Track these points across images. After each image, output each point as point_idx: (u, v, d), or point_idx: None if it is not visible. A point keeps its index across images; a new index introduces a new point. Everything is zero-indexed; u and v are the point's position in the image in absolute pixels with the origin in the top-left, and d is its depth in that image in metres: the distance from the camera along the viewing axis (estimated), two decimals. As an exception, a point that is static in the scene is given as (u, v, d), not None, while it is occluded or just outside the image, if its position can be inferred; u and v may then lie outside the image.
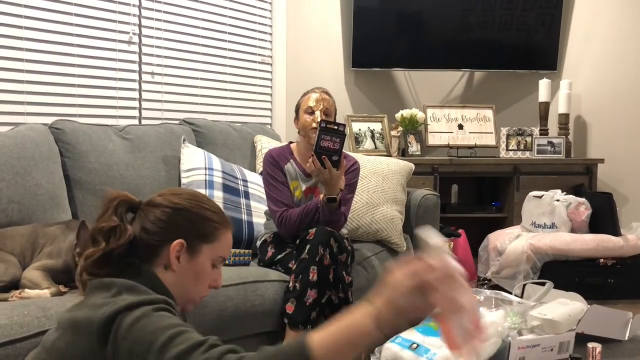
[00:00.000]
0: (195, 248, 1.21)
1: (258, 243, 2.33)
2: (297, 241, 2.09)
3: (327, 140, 2.01)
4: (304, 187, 2.26)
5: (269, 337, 2.02)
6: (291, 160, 2.28)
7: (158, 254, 1.19)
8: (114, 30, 2.73)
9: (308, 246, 1.99)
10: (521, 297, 2.01)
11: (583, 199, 3.42)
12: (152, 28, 2.90)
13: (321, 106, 2.23)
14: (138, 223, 1.21)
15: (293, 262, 2.06)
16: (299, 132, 2.31)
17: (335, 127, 2.01)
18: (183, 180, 2.49)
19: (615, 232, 3.34)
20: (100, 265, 1.17)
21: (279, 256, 2.18)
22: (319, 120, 2.18)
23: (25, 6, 2.41)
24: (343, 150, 2.05)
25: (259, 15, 3.49)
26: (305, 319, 1.95)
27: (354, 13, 3.85)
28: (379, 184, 2.64)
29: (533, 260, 3.25)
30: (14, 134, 2.06)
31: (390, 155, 3.71)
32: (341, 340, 0.92)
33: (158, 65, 2.94)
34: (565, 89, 3.93)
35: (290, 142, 2.39)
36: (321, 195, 2.13)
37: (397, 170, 2.72)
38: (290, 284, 2.00)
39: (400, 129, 3.81)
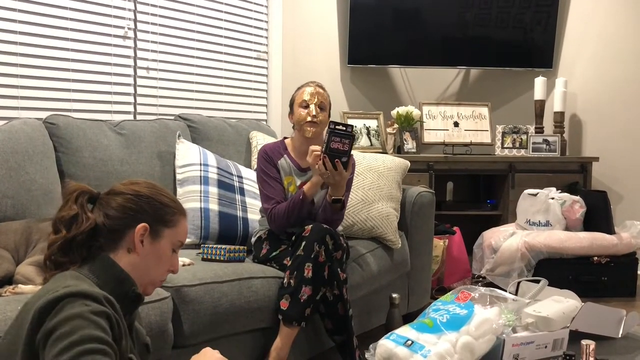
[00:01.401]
0: (157, 232, 1.28)
1: (253, 240, 2.33)
2: (293, 237, 2.10)
3: (337, 142, 2.01)
4: (298, 182, 2.26)
5: (263, 334, 2.02)
6: (285, 155, 2.28)
7: (122, 237, 1.26)
8: (109, 25, 2.72)
9: (304, 243, 1.99)
10: (515, 294, 2.01)
11: (578, 197, 3.43)
12: (148, 23, 2.89)
13: (315, 100, 2.22)
14: (99, 211, 1.27)
15: (288, 258, 2.06)
16: (293, 127, 2.30)
17: (344, 129, 2.02)
18: (178, 176, 2.48)
19: (610, 230, 3.35)
20: (63, 253, 1.23)
21: (274, 253, 2.18)
22: (313, 113, 2.18)
23: (20, 0, 2.39)
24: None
25: (255, 11, 3.48)
26: (299, 316, 1.95)
27: (350, 9, 3.85)
28: (375, 181, 2.64)
29: (527, 258, 3.26)
30: (7, 128, 2.05)
31: (386, 153, 3.71)
32: None
33: (153, 60, 2.92)
34: (561, 87, 3.94)
35: (285, 138, 2.39)
36: (325, 194, 2.16)
37: (392, 168, 2.72)
38: (285, 280, 2.00)
39: (396, 126, 3.81)
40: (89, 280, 1.19)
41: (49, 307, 1.06)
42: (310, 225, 2.04)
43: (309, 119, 2.20)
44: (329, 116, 2.29)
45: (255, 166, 2.73)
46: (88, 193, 1.28)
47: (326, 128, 2.05)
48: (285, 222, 2.17)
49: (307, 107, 2.22)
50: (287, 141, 2.35)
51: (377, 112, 3.92)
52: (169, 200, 1.31)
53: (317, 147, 2.06)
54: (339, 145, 2.01)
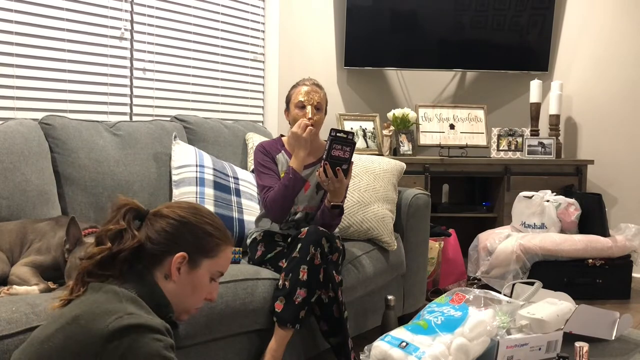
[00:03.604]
0: (196, 261, 1.26)
1: (247, 241, 2.32)
2: (289, 239, 2.10)
3: (338, 149, 2.02)
4: None
5: (259, 335, 2.02)
6: (282, 151, 2.28)
7: (160, 263, 1.25)
8: (106, 26, 2.72)
9: (299, 245, 2.00)
10: (510, 296, 2.02)
11: (573, 200, 3.44)
12: (144, 24, 2.89)
13: (312, 100, 2.21)
14: (144, 231, 1.26)
15: (283, 260, 2.06)
16: (290, 124, 2.30)
17: (345, 136, 2.03)
18: (174, 177, 2.48)
19: (604, 232, 3.37)
20: (102, 266, 1.22)
21: (269, 255, 2.18)
22: (309, 116, 2.19)
23: (16, 0, 2.39)
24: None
25: (252, 13, 3.48)
26: (293, 318, 1.95)
27: (346, 11, 3.85)
28: (371, 182, 2.64)
29: (523, 260, 3.27)
30: (3, 129, 2.05)
31: (382, 154, 3.72)
32: None
33: (150, 61, 2.92)
34: (557, 90, 3.96)
35: (282, 136, 2.39)
36: (322, 198, 2.17)
37: (388, 170, 2.73)
38: (280, 282, 2.00)
39: (392, 128, 3.82)
40: (141, 301, 1.17)
41: (116, 335, 1.03)
42: (306, 228, 2.04)
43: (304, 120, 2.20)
44: (326, 113, 2.30)
45: (252, 167, 2.73)
46: (136, 210, 1.28)
47: (328, 135, 2.05)
48: (281, 204, 2.14)
49: (303, 107, 2.22)
50: (283, 139, 2.35)
51: (373, 114, 3.93)
52: (212, 229, 1.29)
53: (306, 121, 2.13)
54: (339, 152, 2.03)
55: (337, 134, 2.02)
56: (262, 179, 2.22)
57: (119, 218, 1.25)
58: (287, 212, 2.20)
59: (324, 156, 2.03)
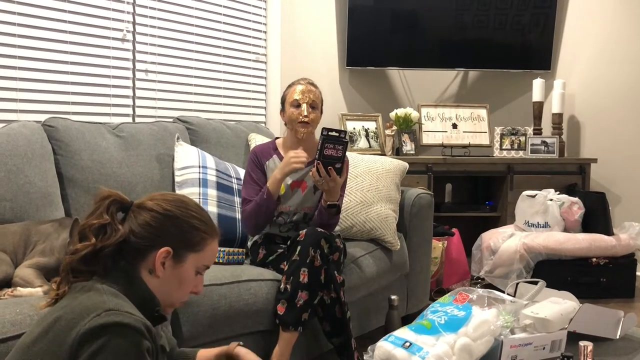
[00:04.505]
0: (181, 256, 1.23)
1: (249, 244, 2.32)
2: (289, 242, 2.10)
3: (330, 148, 2.02)
4: (289, 181, 2.25)
5: (262, 336, 2.03)
6: (274, 156, 2.28)
7: (144, 258, 1.21)
8: (108, 28, 2.72)
9: (299, 247, 1.99)
10: (514, 296, 2.02)
11: (576, 199, 3.43)
12: (146, 25, 2.89)
13: (307, 98, 2.21)
14: (128, 224, 1.22)
15: (285, 263, 2.06)
16: (285, 125, 2.30)
17: (337, 135, 2.03)
18: (177, 179, 2.48)
19: (608, 231, 3.36)
20: (86, 262, 1.19)
21: (271, 258, 2.18)
22: (305, 113, 2.19)
23: (18, 3, 2.39)
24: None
25: (254, 14, 3.48)
26: (295, 321, 1.95)
27: (348, 11, 3.85)
28: (373, 182, 2.64)
29: (526, 260, 3.26)
30: (6, 131, 2.05)
31: (385, 154, 3.72)
32: None
33: (152, 62, 2.93)
34: (559, 88, 3.95)
35: (277, 138, 2.39)
36: (319, 199, 2.17)
37: (391, 169, 2.73)
38: (282, 285, 2.00)
39: (394, 128, 3.81)
40: (123, 296, 1.15)
41: (93, 334, 1.02)
42: (305, 230, 2.04)
43: (300, 118, 2.20)
44: (321, 113, 2.29)
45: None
46: (120, 202, 1.24)
47: (320, 134, 2.05)
48: (254, 222, 2.16)
49: (298, 106, 2.22)
50: (278, 141, 2.35)
51: (375, 114, 3.93)
52: (198, 222, 1.25)
53: (298, 156, 2.08)
54: (332, 151, 2.02)
55: (329, 133, 2.02)
56: (246, 190, 2.23)
57: (103, 211, 1.22)
58: (261, 229, 2.21)
59: (317, 156, 2.03)
